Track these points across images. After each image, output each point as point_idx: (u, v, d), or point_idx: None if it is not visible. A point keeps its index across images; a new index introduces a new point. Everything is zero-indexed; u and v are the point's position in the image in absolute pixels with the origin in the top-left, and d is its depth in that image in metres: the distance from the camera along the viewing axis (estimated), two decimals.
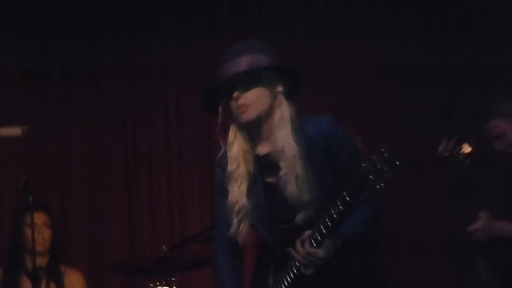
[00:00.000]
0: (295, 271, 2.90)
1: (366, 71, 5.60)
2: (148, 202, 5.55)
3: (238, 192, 2.99)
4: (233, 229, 3.00)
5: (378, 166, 2.65)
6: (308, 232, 2.87)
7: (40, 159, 5.48)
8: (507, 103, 3.96)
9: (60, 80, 5.60)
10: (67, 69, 5.60)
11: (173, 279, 4.19)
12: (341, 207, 2.72)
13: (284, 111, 2.96)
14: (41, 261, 4.48)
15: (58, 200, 5.41)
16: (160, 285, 4.20)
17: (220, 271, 3.15)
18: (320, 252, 2.83)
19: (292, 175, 2.92)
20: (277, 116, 2.96)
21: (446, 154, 3.90)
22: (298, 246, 2.88)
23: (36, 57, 5.59)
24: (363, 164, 2.69)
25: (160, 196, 5.56)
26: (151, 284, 4.23)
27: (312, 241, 2.83)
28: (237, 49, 3.00)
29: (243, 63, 2.93)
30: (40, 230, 4.47)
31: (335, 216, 2.76)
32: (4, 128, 4.29)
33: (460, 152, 3.85)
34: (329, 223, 2.78)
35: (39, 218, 4.50)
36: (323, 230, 2.79)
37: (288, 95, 3.00)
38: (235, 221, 2.99)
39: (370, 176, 2.65)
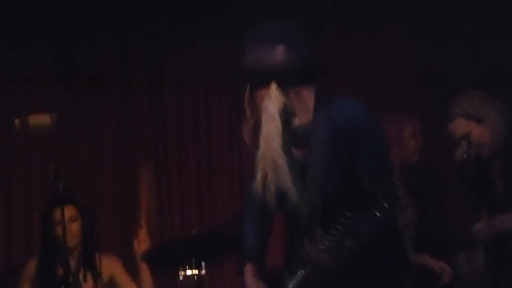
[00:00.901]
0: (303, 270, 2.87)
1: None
2: (177, 188, 5.60)
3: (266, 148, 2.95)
4: (257, 184, 2.98)
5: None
6: (319, 233, 2.85)
7: (70, 148, 5.55)
8: (470, 101, 3.91)
9: (90, 81, 5.68)
10: (98, 70, 5.69)
11: (202, 262, 4.22)
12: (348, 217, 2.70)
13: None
14: (76, 253, 4.63)
15: (88, 190, 5.49)
16: (189, 268, 4.22)
17: (245, 227, 3.14)
18: (327, 259, 2.76)
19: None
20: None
21: (465, 156, 3.90)
22: (308, 247, 2.84)
23: (67, 52, 5.65)
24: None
25: (189, 181, 5.60)
26: (181, 268, 4.26)
27: (321, 245, 2.76)
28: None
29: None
30: (68, 226, 4.47)
31: (344, 224, 2.71)
32: (33, 116, 4.36)
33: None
34: (339, 229, 2.72)
35: (66, 212, 4.47)
36: (333, 236, 2.73)
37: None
38: (259, 175, 2.98)
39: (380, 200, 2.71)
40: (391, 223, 2.92)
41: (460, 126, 3.92)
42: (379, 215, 2.74)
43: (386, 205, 2.73)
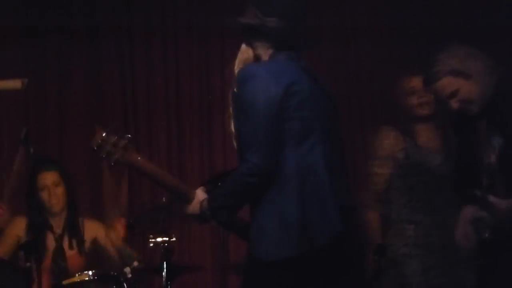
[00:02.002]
0: None
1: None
2: (146, 146, 5.59)
3: None
4: None
5: None
6: None
7: (39, 112, 5.52)
8: (456, 58, 3.75)
9: (58, 33, 5.60)
10: (66, 23, 5.61)
11: (171, 230, 4.22)
12: None
13: None
14: (60, 218, 4.66)
15: (57, 153, 5.48)
16: (159, 236, 4.20)
17: None
18: None
19: None
20: None
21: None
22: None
23: (35, 12, 5.58)
24: None
25: (158, 140, 5.61)
26: (150, 235, 4.22)
27: None
28: None
29: None
30: (51, 191, 4.57)
31: None
32: (4, 81, 4.37)
33: None
34: None
35: (49, 178, 4.59)
36: None
37: None
38: None
39: None
40: None
41: (447, 84, 3.73)
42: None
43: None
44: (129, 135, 3.19)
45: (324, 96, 3.17)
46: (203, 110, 5.56)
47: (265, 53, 3.15)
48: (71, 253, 4.64)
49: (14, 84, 4.37)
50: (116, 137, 3.15)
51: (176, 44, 5.69)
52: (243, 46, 3.17)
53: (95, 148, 3.15)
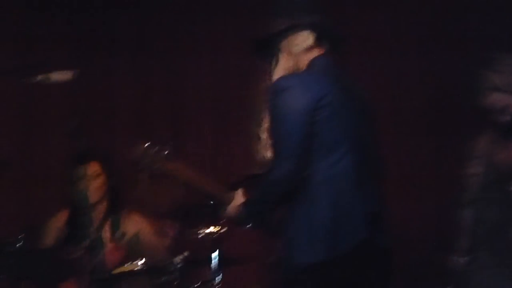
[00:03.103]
0: None
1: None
2: (193, 146, 5.63)
3: None
4: None
5: None
6: None
7: (89, 105, 5.61)
8: (501, 75, 3.80)
9: (105, 25, 5.74)
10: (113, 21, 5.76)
11: (222, 221, 4.22)
12: None
13: None
14: (99, 210, 4.74)
15: (107, 143, 5.53)
16: (208, 228, 4.26)
17: None
18: None
19: None
20: None
21: None
22: None
23: (85, 9, 5.72)
24: None
25: (205, 139, 5.67)
26: (200, 227, 4.28)
27: None
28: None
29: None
30: (91, 182, 4.64)
31: None
32: (54, 72, 4.43)
33: None
34: None
35: (90, 168, 4.67)
36: None
37: None
38: None
39: None
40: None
41: (496, 100, 3.82)
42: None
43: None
44: (171, 143, 3.52)
45: (356, 106, 3.33)
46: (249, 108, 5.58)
47: (303, 59, 3.36)
48: (110, 246, 4.71)
49: (65, 75, 4.44)
50: (156, 148, 3.46)
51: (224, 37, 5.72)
52: (282, 54, 3.38)
53: (136, 160, 3.46)
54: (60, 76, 4.41)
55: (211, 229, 4.26)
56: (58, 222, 4.74)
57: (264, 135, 3.32)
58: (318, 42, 3.39)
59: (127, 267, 4.17)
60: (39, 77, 4.39)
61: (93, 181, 4.67)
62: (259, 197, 3.31)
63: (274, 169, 3.18)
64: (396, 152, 5.31)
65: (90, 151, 4.62)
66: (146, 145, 3.49)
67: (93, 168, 4.70)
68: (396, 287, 4.84)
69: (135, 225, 4.82)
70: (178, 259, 4.17)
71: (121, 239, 4.75)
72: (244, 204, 3.37)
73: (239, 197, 3.44)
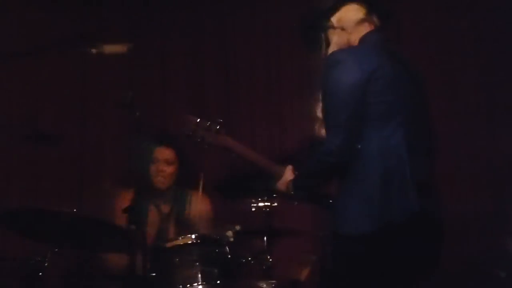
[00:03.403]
0: None
1: None
2: (248, 118, 5.63)
3: None
4: None
5: None
6: None
7: (142, 78, 5.63)
8: None
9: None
10: None
11: (274, 195, 4.26)
12: None
13: None
14: (166, 196, 4.76)
15: (159, 117, 5.56)
16: (262, 201, 4.32)
17: None
18: None
19: None
20: None
21: None
22: None
23: None
24: None
25: (259, 111, 5.64)
26: (253, 200, 4.34)
27: None
28: None
29: None
30: (160, 168, 4.66)
31: None
32: (109, 45, 4.47)
33: None
34: None
35: (162, 154, 4.70)
36: None
37: None
38: None
39: None
40: None
41: None
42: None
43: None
44: (220, 120, 3.55)
45: (408, 79, 3.35)
46: (302, 85, 5.56)
47: (354, 34, 3.41)
48: (172, 223, 4.76)
49: (119, 48, 4.49)
50: (208, 122, 3.55)
51: (278, 16, 5.69)
52: (333, 31, 3.42)
53: (190, 134, 3.54)
54: (114, 48, 4.47)
55: (263, 202, 4.31)
56: (121, 202, 4.63)
57: (320, 113, 3.32)
58: (368, 17, 3.42)
59: (181, 240, 4.18)
60: (94, 49, 4.46)
61: (164, 167, 4.70)
62: (310, 170, 3.33)
63: (325, 142, 3.20)
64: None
65: (169, 136, 4.70)
66: (198, 120, 3.55)
67: (168, 154, 4.73)
68: (451, 268, 4.96)
69: (200, 207, 4.83)
70: (230, 232, 4.19)
71: (186, 226, 4.77)
72: (294, 178, 3.41)
73: (289, 172, 3.48)
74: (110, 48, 4.47)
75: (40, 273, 3.91)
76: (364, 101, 3.17)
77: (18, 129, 5.14)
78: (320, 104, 3.29)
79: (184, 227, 4.76)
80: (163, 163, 4.62)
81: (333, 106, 3.20)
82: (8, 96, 5.37)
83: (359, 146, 3.16)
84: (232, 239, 4.17)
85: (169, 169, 4.71)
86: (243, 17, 5.75)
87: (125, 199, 4.69)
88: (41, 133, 5.13)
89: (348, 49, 3.35)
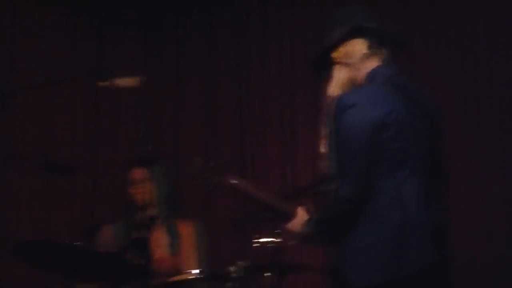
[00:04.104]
0: None
1: None
2: (261, 155, 5.64)
3: None
4: None
5: None
6: None
7: (155, 110, 5.69)
8: None
9: (176, 34, 5.82)
10: (184, 27, 5.83)
11: (278, 231, 4.15)
12: None
13: None
14: (151, 213, 4.64)
15: (172, 153, 5.59)
16: (264, 237, 4.24)
17: None
18: None
19: None
20: None
21: None
22: None
23: (155, 15, 5.82)
24: None
25: (272, 149, 5.64)
26: (256, 236, 4.27)
27: None
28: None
29: None
30: (137, 186, 4.65)
31: None
32: (122, 78, 4.53)
33: None
34: None
35: (137, 173, 4.68)
36: None
37: None
38: None
39: None
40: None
41: None
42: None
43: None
44: (224, 160, 3.48)
45: (423, 117, 3.20)
46: (316, 120, 5.56)
47: (361, 70, 3.27)
48: (158, 253, 4.64)
49: (132, 81, 4.54)
50: (212, 163, 3.45)
51: (292, 43, 5.72)
52: (338, 67, 3.30)
53: (193, 176, 3.45)
54: (127, 81, 4.52)
55: (271, 238, 4.25)
56: (103, 238, 4.76)
57: (323, 148, 3.23)
58: (375, 50, 3.29)
59: (185, 274, 4.18)
60: (108, 82, 4.51)
61: (140, 185, 4.69)
62: (325, 216, 3.24)
63: (340, 189, 3.10)
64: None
65: (142, 157, 4.67)
66: (202, 161, 3.50)
67: (141, 174, 4.72)
68: None
69: (185, 232, 4.80)
70: (236, 267, 4.13)
71: (171, 244, 4.76)
72: (308, 221, 3.32)
73: (302, 214, 3.37)
74: (123, 82, 4.52)
75: None
76: (378, 146, 3.06)
77: (32, 160, 5.17)
78: (324, 142, 3.22)
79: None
80: (138, 182, 4.64)
81: (346, 153, 3.09)
82: (23, 127, 5.43)
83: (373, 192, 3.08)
84: (235, 275, 4.11)
85: (146, 187, 4.70)
86: (256, 51, 5.79)
87: (105, 235, 4.73)
88: (54, 164, 5.21)
89: (358, 90, 3.23)
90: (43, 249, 3.96)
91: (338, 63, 3.33)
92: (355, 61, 3.30)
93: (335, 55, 3.33)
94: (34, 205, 5.36)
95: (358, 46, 3.30)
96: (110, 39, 5.72)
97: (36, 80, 5.34)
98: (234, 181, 3.52)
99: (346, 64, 3.31)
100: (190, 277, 4.14)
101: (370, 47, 3.28)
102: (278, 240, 4.23)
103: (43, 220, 5.35)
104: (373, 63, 3.29)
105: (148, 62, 5.70)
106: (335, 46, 3.32)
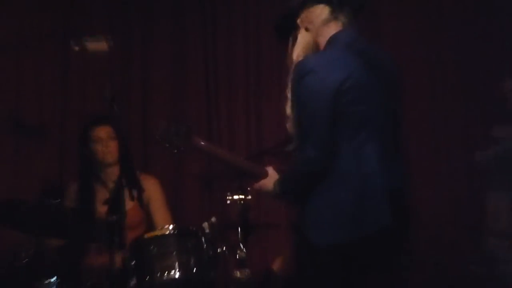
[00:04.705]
0: None
1: None
2: (226, 113, 5.69)
3: None
4: None
5: None
6: None
7: (124, 77, 5.68)
8: None
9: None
10: None
11: (248, 188, 4.28)
12: None
13: None
14: (113, 170, 4.74)
15: (141, 117, 5.65)
16: (236, 194, 4.35)
17: None
18: None
19: None
20: None
21: None
22: None
23: None
24: None
25: (238, 106, 5.69)
26: (228, 193, 4.37)
27: None
28: None
29: None
30: (105, 144, 4.69)
31: None
32: (92, 42, 4.59)
33: None
34: None
35: (104, 131, 4.72)
36: None
37: None
38: None
39: None
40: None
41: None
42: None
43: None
44: (188, 123, 3.51)
45: (383, 80, 3.26)
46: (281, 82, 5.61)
47: (323, 33, 3.33)
48: (130, 205, 4.68)
49: (101, 45, 4.60)
50: (176, 126, 3.49)
51: (258, 11, 5.78)
52: (301, 31, 3.36)
53: (159, 139, 3.49)
54: (96, 45, 4.58)
55: (239, 196, 4.35)
56: (70, 193, 4.84)
57: (289, 109, 3.31)
58: (335, 16, 3.33)
59: (158, 231, 4.26)
60: (77, 46, 4.57)
61: (107, 142, 4.75)
62: (290, 178, 3.34)
63: (301, 155, 3.19)
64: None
65: (104, 116, 4.68)
66: (165, 125, 3.56)
67: (107, 131, 4.77)
68: (427, 266, 5.06)
69: (148, 188, 4.86)
70: (207, 224, 4.23)
71: (140, 199, 4.78)
72: (277, 182, 3.41)
73: (273, 173, 3.48)
74: (93, 45, 4.58)
75: (25, 263, 3.97)
76: (337, 111, 3.11)
77: (1, 123, 5.31)
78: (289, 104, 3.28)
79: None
80: (106, 140, 4.69)
81: (307, 118, 3.15)
82: None
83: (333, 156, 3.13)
84: (207, 231, 4.19)
85: (111, 144, 4.75)
86: (223, 13, 5.80)
87: (72, 189, 4.82)
88: (23, 125, 5.28)
89: (316, 56, 3.27)
90: (11, 208, 4.00)
91: (301, 28, 3.38)
92: (316, 26, 3.35)
93: (298, 20, 3.39)
94: (2, 162, 5.36)
95: (318, 11, 3.34)
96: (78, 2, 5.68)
97: (4, 41, 5.33)
98: (200, 143, 3.59)
99: (309, 29, 3.37)
100: (162, 233, 4.22)
101: (331, 12, 3.33)
102: (248, 197, 4.34)
103: (11, 179, 5.37)
104: (334, 28, 3.34)
105: (115, 24, 5.71)
106: (297, 11, 3.37)
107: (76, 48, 4.45)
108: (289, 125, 3.30)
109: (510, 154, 4.38)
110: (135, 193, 4.65)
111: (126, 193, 4.53)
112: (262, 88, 5.68)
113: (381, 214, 3.13)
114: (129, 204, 4.61)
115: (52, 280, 4.09)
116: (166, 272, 4.09)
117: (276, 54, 5.52)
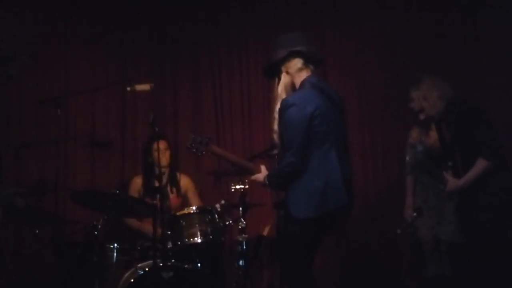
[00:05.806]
0: None
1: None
2: (229, 128, 5.52)
3: None
4: None
5: None
6: None
7: (160, 105, 5.53)
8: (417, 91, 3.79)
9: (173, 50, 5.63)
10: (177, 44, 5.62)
11: (246, 180, 4.26)
12: None
13: None
14: (166, 171, 4.71)
15: (172, 133, 5.48)
16: (238, 184, 4.31)
17: None
18: None
19: None
20: None
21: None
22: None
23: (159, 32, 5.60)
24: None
25: (237, 125, 5.52)
26: (232, 184, 4.34)
27: None
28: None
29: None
30: (163, 153, 4.61)
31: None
32: (138, 84, 4.51)
33: None
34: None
35: (163, 144, 4.64)
36: None
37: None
38: None
39: None
40: None
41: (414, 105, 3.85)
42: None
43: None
44: (208, 136, 3.51)
45: (335, 109, 3.30)
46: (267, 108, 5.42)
47: (298, 77, 3.31)
48: (171, 196, 4.70)
49: (145, 87, 4.54)
50: (200, 138, 3.48)
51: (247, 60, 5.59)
52: (284, 74, 3.34)
53: (189, 147, 3.49)
54: (142, 87, 4.52)
55: (240, 185, 4.33)
56: (136, 184, 4.77)
57: (276, 127, 3.33)
58: (306, 65, 3.35)
59: (185, 210, 4.22)
60: (129, 88, 4.50)
61: (164, 152, 4.67)
62: (276, 174, 3.33)
63: (286, 160, 3.20)
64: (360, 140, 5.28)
65: (162, 134, 4.69)
66: (193, 137, 3.54)
67: (164, 144, 4.71)
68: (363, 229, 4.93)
69: (185, 184, 4.83)
70: (218, 204, 4.21)
71: (179, 194, 4.77)
72: (267, 176, 3.38)
73: (264, 169, 3.45)
74: (140, 87, 4.52)
75: (96, 232, 3.94)
76: (310, 131, 3.17)
77: (83, 138, 5.22)
78: (276, 121, 3.29)
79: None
80: (162, 150, 4.59)
81: (290, 136, 3.19)
82: (79, 119, 5.33)
83: (307, 160, 3.18)
84: (219, 209, 4.18)
85: (166, 154, 4.71)
86: (227, 64, 5.62)
87: (137, 183, 4.74)
88: (97, 141, 5.20)
89: (295, 95, 3.29)
90: (92, 196, 4.03)
91: (284, 71, 3.37)
92: (293, 72, 3.34)
93: (282, 66, 3.37)
94: (84, 167, 5.28)
95: (295, 62, 3.34)
96: (128, 54, 5.55)
97: (82, 86, 5.23)
98: (216, 149, 3.59)
99: (288, 73, 3.36)
100: (189, 211, 4.19)
101: (303, 64, 3.34)
102: (246, 187, 4.30)
103: (90, 178, 5.27)
104: (305, 74, 3.35)
105: (155, 72, 5.54)
106: (282, 61, 3.35)
107: (129, 89, 4.44)
108: (275, 137, 3.33)
109: (419, 155, 4.27)
110: (174, 188, 4.70)
111: (170, 188, 4.67)
112: (252, 112, 5.56)
113: (341, 197, 3.18)
114: (170, 194, 4.67)
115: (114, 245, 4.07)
116: (192, 238, 4.08)
117: (262, 90, 5.45)
